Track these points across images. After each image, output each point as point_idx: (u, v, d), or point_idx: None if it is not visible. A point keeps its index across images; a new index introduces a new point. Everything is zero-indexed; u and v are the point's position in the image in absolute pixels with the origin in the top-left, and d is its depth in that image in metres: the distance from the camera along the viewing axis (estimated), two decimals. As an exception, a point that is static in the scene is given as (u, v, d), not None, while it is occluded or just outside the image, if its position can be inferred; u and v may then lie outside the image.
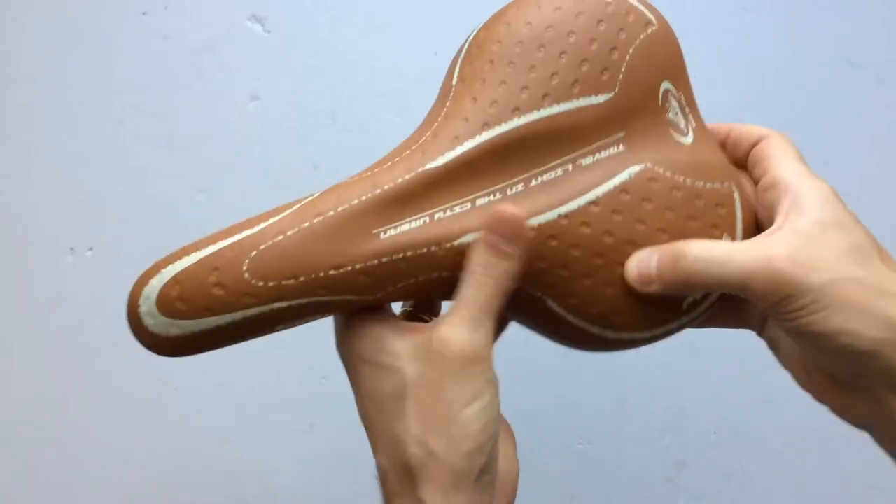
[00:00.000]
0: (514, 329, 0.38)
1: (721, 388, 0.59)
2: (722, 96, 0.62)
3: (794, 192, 0.29)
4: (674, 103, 0.33)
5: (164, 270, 0.28)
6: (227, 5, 0.62)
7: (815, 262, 0.27)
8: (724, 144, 0.35)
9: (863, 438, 0.61)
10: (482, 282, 0.27)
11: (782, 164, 0.31)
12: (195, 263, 0.28)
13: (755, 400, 0.59)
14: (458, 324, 0.26)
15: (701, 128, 0.34)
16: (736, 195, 0.32)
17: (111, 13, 0.62)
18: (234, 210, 0.62)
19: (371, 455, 0.28)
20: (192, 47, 0.62)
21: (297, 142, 0.61)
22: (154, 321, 0.28)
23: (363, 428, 0.30)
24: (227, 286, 0.27)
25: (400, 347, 0.27)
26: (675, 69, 0.33)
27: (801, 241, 0.27)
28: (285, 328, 0.29)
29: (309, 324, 0.64)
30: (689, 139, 0.33)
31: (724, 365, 0.59)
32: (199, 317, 0.28)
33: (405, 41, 0.62)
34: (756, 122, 0.62)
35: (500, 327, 0.33)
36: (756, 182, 0.32)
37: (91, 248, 0.61)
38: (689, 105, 0.34)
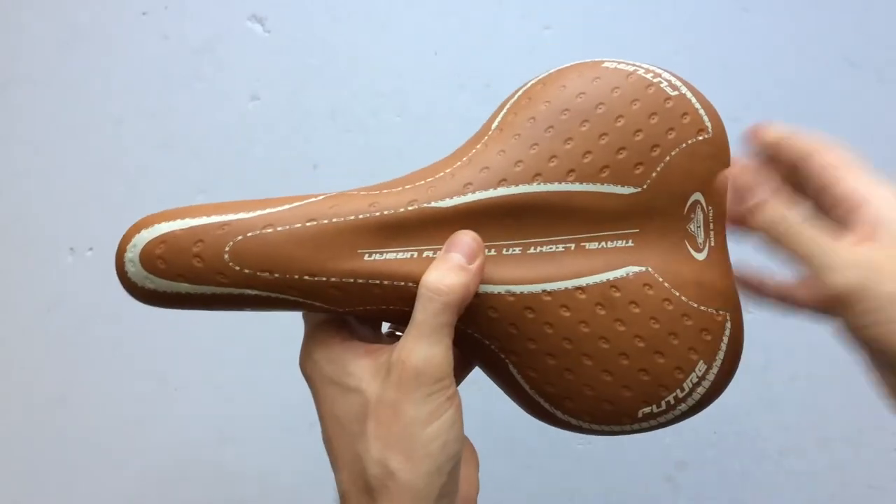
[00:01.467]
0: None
1: (721, 388, 0.59)
2: (722, 96, 0.62)
3: (872, 209, 0.28)
4: (699, 216, 0.32)
5: (156, 226, 0.29)
6: (227, 5, 0.62)
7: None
8: (772, 159, 0.32)
9: (863, 438, 0.61)
10: (432, 301, 0.27)
11: (850, 177, 0.30)
12: (184, 230, 0.29)
13: (755, 400, 0.59)
14: (413, 342, 0.26)
15: (720, 248, 0.32)
16: (728, 326, 0.31)
17: (111, 13, 0.62)
18: (234, 210, 0.63)
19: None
20: (191, 47, 0.62)
21: (296, 142, 0.61)
22: (134, 270, 0.30)
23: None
24: (206, 261, 0.28)
25: (362, 368, 0.28)
26: (714, 183, 0.32)
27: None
28: (253, 311, 0.31)
29: (309, 324, 0.63)
30: (702, 256, 0.31)
31: (724, 365, 0.59)
32: (173, 280, 0.29)
33: (405, 41, 0.62)
34: (757, 122, 0.62)
35: (465, 370, 0.33)
36: (815, 196, 0.31)
37: (91, 248, 0.61)
38: (716, 222, 0.32)
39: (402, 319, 0.29)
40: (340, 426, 0.28)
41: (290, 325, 0.61)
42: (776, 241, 0.28)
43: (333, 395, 0.28)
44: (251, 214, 0.29)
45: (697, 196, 0.31)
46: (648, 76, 0.32)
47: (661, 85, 0.32)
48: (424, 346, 0.26)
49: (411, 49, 0.62)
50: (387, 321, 0.32)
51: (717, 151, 0.32)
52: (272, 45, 0.62)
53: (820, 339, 0.60)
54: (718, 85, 0.62)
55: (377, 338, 0.32)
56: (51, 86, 0.62)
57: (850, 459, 0.59)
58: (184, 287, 0.29)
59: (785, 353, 0.59)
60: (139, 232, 0.29)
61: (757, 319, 0.60)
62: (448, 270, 0.27)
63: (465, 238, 0.28)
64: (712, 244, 0.32)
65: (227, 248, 0.28)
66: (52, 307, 0.60)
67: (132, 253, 0.30)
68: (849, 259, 0.26)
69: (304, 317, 0.32)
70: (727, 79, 0.62)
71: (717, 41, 0.62)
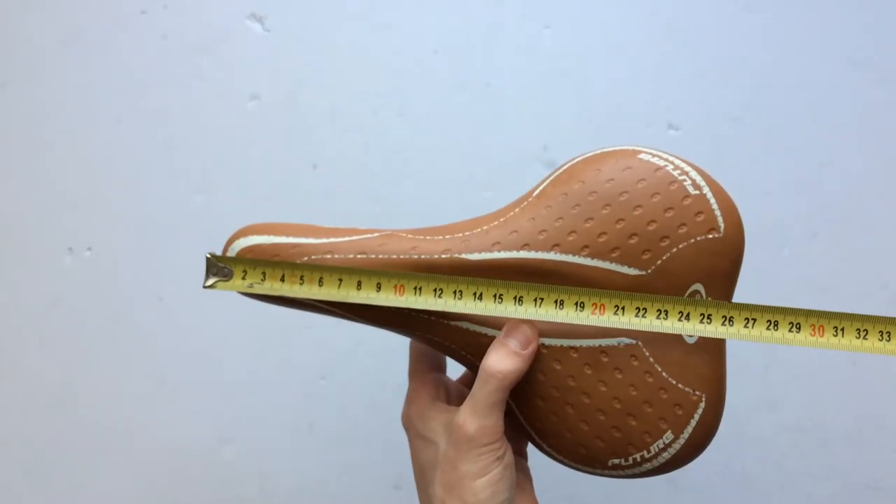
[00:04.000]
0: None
1: (721, 389, 0.59)
2: (723, 96, 0.62)
3: None
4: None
5: (251, 236, 0.36)
6: (227, 4, 0.62)
7: None
8: None
9: (863, 438, 0.62)
10: (488, 382, 0.32)
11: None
12: (268, 244, 0.35)
13: (755, 400, 0.59)
14: (469, 413, 0.32)
15: (714, 339, 0.35)
16: (701, 406, 0.34)
17: (110, 12, 0.62)
18: (233, 210, 0.63)
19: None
20: (191, 46, 0.62)
21: (296, 141, 0.61)
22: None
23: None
24: (287, 258, 0.35)
25: (437, 425, 0.35)
26: (716, 277, 0.34)
27: None
28: (311, 312, 0.36)
29: (307, 325, 0.64)
30: (691, 341, 0.34)
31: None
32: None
33: (405, 41, 0.62)
34: (756, 122, 0.63)
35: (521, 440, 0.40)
36: None
37: (90, 248, 0.61)
38: (722, 300, 0.35)
39: (429, 343, 0.35)
40: (422, 472, 0.35)
41: (290, 325, 0.62)
42: None
43: (419, 446, 0.35)
44: (318, 241, 0.35)
45: (698, 286, 0.34)
46: (675, 173, 0.35)
47: (685, 183, 0.35)
48: (478, 417, 0.32)
49: (411, 49, 0.62)
50: (426, 342, 0.37)
51: (725, 250, 0.35)
52: (272, 44, 0.62)
53: (820, 339, 0.60)
54: (719, 85, 0.62)
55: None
56: (49, 85, 0.61)
57: (850, 459, 0.59)
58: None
59: (785, 353, 0.59)
60: (238, 239, 0.36)
61: (757, 319, 0.60)
62: (505, 356, 0.33)
63: (523, 326, 0.33)
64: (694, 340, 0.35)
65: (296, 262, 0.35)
66: (51, 307, 0.60)
67: (231, 254, 0.36)
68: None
69: (410, 378, 0.39)
70: (728, 79, 0.62)
71: (717, 41, 0.62)
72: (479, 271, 0.34)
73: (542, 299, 0.33)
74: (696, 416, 0.33)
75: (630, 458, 0.34)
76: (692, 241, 0.34)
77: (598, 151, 0.37)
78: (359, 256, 0.34)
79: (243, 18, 0.62)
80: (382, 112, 0.61)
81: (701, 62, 0.62)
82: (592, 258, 0.34)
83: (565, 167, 0.37)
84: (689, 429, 0.33)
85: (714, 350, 0.35)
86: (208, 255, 0.35)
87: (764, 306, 0.32)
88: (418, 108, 0.61)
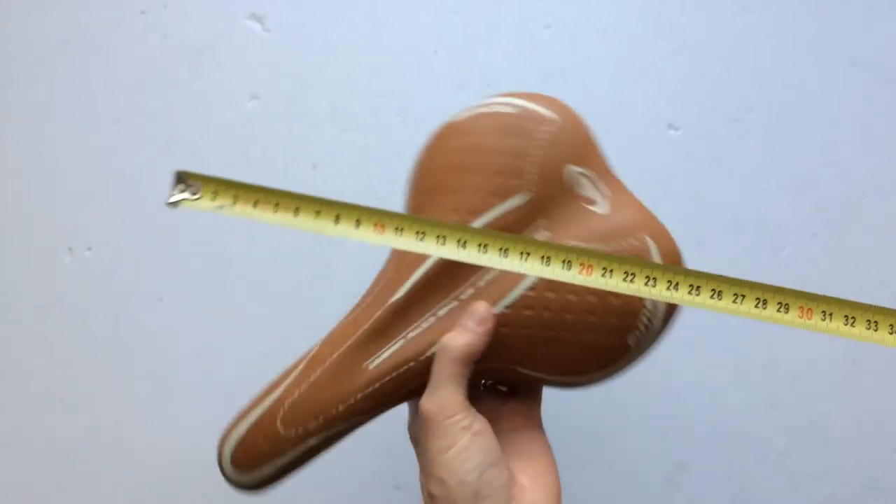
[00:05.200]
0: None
1: (721, 388, 0.59)
2: (723, 96, 0.62)
3: None
4: (582, 181, 0.37)
5: (232, 435, 0.37)
6: (227, 4, 0.62)
7: None
8: None
9: (863, 438, 0.61)
10: (440, 357, 0.34)
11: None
12: (247, 430, 0.37)
13: (755, 400, 0.59)
14: (428, 393, 0.34)
15: (616, 191, 0.37)
16: (650, 243, 0.35)
17: (110, 12, 0.62)
18: (234, 210, 0.62)
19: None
20: (191, 46, 0.62)
21: (296, 141, 0.61)
22: (234, 474, 0.37)
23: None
24: (270, 442, 0.36)
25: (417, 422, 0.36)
26: (581, 152, 0.37)
27: None
28: (326, 450, 0.37)
29: (308, 325, 0.64)
30: (603, 208, 0.36)
31: (724, 365, 0.59)
32: (258, 468, 0.36)
33: (405, 41, 0.62)
34: (757, 121, 0.63)
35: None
36: None
37: (90, 248, 0.61)
38: (602, 176, 0.37)
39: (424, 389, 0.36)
40: (420, 469, 0.36)
41: (290, 326, 0.62)
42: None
43: (416, 449, 0.37)
44: (278, 392, 0.37)
45: (572, 167, 0.36)
46: (487, 110, 0.37)
47: (501, 109, 0.37)
48: (435, 394, 0.33)
49: (411, 49, 0.62)
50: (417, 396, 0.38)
51: (570, 127, 0.37)
52: (272, 44, 0.62)
53: (820, 339, 0.60)
54: (719, 85, 0.62)
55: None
56: (50, 85, 0.61)
57: (850, 459, 0.59)
58: (267, 469, 0.36)
59: (785, 353, 0.59)
60: (224, 447, 0.37)
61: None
62: (457, 333, 0.34)
63: (476, 307, 0.35)
64: (608, 193, 0.37)
65: (278, 424, 0.36)
66: (51, 307, 0.60)
67: (226, 464, 0.37)
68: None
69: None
70: (728, 79, 0.62)
71: (717, 41, 0.62)
72: (417, 298, 0.36)
73: (528, 253, 0.33)
74: (653, 253, 0.35)
75: (641, 326, 0.35)
76: (541, 141, 0.36)
77: (421, 153, 0.39)
78: (319, 372, 0.36)
79: (243, 18, 0.62)
80: (382, 112, 0.61)
81: (701, 62, 0.62)
82: (481, 215, 0.35)
83: (411, 178, 0.39)
84: (659, 259, 0.35)
85: (625, 201, 0.37)
86: (178, 171, 0.33)
87: (759, 284, 0.33)
88: (418, 108, 0.61)
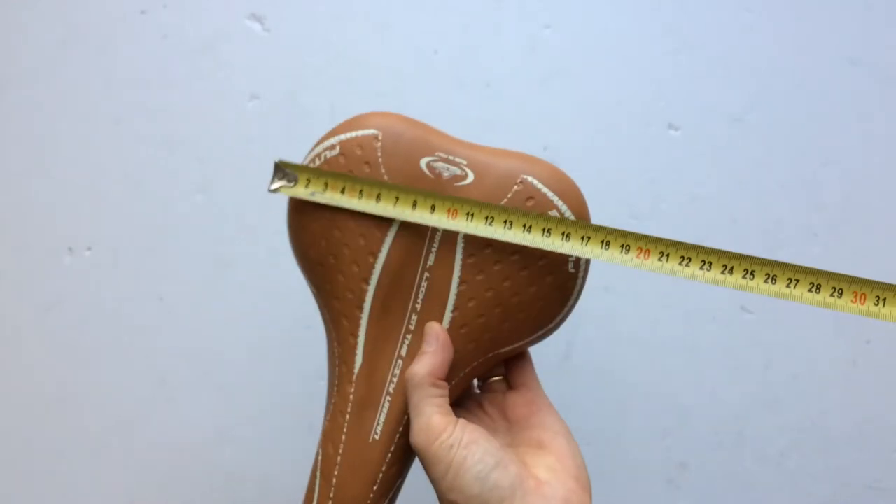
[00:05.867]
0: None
1: (721, 388, 0.59)
2: (724, 96, 0.62)
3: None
4: (440, 165, 0.37)
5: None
6: (227, 4, 0.62)
7: None
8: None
9: (863, 438, 0.61)
10: (407, 387, 0.34)
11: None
12: None
13: (755, 400, 0.59)
14: (411, 426, 0.34)
15: (473, 153, 0.37)
16: (529, 179, 0.36)
17: (110, 12, 0.62)
18: (233, 210, 0.63)
19: None
20: (191, 46, 0.62)
21: (296, 141, 0.61)
22: None
23: None
24: None
25: None
26: (420, 145, 0.37)
27: None
28: None
29: (307, 325, 0.64)
30: (470, 178, 0.37)
31: (724, 365, 0.59)
32: None
33: (405, 41, 0.62)
34: (757, 121, 0.63)
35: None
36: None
37: (90, 248, 0.61)
38: (451, 151, 0.37)
39: None
40: None
41: (290, 325, 0.62)
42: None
43: None
44: (318, 492, 0.36)
45: (425, 160, 0.37)
46: (318, 162, 0.38)
47: (329, 156, 0.38)
48: (414, 426, 0.34)
49: (411, 49, 0.62)
50: None
51: (395, 132, 0.37)
52: (272, 44, 0.62)
53: (820, 339, 0.60)
54: (720, 85, 0.62)
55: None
56: (49, 85, 0.61)
57: (850, 459, 0.59)
58: None
59: (785, 353, 0.59)
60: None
61: (757, 320, 0.60)
62: (414, 361, 0.35)
63: (427, 328, 0.36)
64: (465, 162, 0.37)
65: None
66: (51, 307, 0.60)
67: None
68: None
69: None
70: (728, 79, 0.62)
71: (717, 41, 0.62)
72: (373, 361, 0.37)
73: (608, 241, 0.34)
74: (539, 185, 0.36)
75: (570, 261, 0.36)
76: (379, 155, 0.37)
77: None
78: (336, 474, 0.36)
79: (243, 18, 0.62)
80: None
81: (701, 62, 0.62)
82: (382, 250, 0.37)
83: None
84: (549, 193, 0.36)
85: (482, 154, 0.37)
86: (277, 161, 0.37)
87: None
88: (418, 108, 0.61)
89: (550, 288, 0.36)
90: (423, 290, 0.36)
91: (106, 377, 0.60)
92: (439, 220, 0.35)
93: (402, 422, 0.36)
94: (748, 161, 0.61)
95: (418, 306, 0.37)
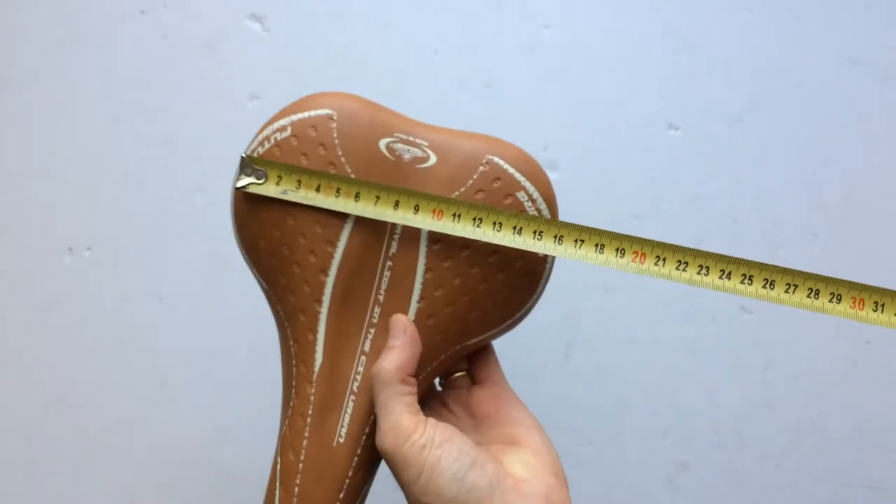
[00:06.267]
0: (515, 332, 0.38)
1: (721, 388, 0.59)
2: (723, 96, 0.62)
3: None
4: (400, 146, 0.35)
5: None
6: (227, 4, 0.62)
7: None
8: None
9: (863, 438, 0.61)
10: (374, 385, 0.32)
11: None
12: None
13: (755, 400, 0.59)
14: (377, 433, 0.32)
15: (434, 134, 0.36)
16: (496, 160, 0.35)
17: (110, 12, 0.62)
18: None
19: None
20: (191, 46, 0.62)
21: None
22: None
23: None
24: None
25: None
26: (378, 126, 0.35)
27: None
28: None
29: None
30: (432, 160, 0.35)
31: (724, 365, 0.59)
32: None
33: (405, 41, 0.62)
34: (757, 121, 0.63)
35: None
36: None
37: (90, 248, 0.61)
38: (411, 133, 0.36)
39: None
40: None
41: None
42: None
43: None
44: (279, 496, 0.34)
45: (383, 141, 0.35)
46: (268, 146, 0.37)
47: (279, 137, 0.36)
48: (382, 427, 0.32)
49: (411, 49, 0.62)
50: None
51: (352, 114, 0.35)
52: (272, 44, 0.62)
53: (820, 338, 0.60)
54: (720, 85, 0.62)
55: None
56: (50, 85, 0.61)
57: (850, 459, 0.59)
58: None
59: (785, 353, 0.59)
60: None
61: (757, 320, 0.60)
62: (381, 357, 0.33)
63: (392, 320, 0.34)
64: (426, 143, 0.36)
65: None
66: (51, 307, 0.60)
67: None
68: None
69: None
70: (728, 79, 0.62)
71: (717, 41, 0.62)
72: (334, 357, 0.35)
73: (602, 245, 0.33)
74: (507, 166, 0.34)
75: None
76: (335, 137, 0.35)
77: None
78: (299, 482, 0.34)
79: (243, 18, 0.62)
80: (382, 112, 0.61)
81: (701, 62, 0.62)
82: (340, 238, 0.35)
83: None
84: (520, 176, 0.34)
85: (443, 136, 0.36)
86: (243, 155, 0.35)
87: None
88: (418, 108, 0.61)
89: (519, 273, 0.35)
90: (385, 279, 0.34)
91: (106, 377, 0.60)
92: (432, 223, 0.33)
93: (369, 423, 0.34)
94: (748, 161, 0.61)
95: (381, 297, 0.35)
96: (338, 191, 0.33)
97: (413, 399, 0.33)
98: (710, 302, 0.59)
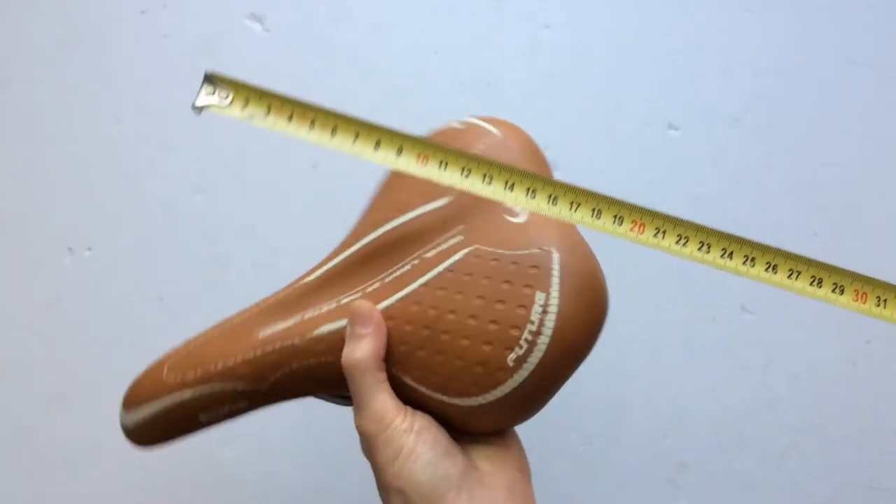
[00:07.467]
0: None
1: (721, 388, 0.59)
2: (723, 96, 0.62)
3: None
4: None
5: (136, 377, 0.39)
6: (227, 4, 0.62)
7: None
8: None
9: (863, 438, 0.61)
10: (347, 374, 0.33)
11: None
12: (143, 372, 0.38)
13: (755, 400, 0.59)
14: (356, 413, 0.33)
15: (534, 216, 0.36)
16: (555, 256, 0.32)
17: (110, 12, 0.62)
18: (233, 210, 0.63)
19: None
20: (191, 46, 0.62)
21: (296, 141, 0.61)
22: (121, 412, 0.39)
23: None
24: (153, 383, 0.37)
25: None
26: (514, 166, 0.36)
27: None
28: (211, 421, 0.38)
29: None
30: (521, 219, 0.34)
31: (724, 365, 0.59)
32: (135, 407, 0.37)
33: (405, 41, 0.62)
34: (757, 121, 0.63)
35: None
36: None
37: (89, 248, 0.61)
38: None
39: (313, 376, 0.35)
40: None
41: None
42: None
43: None
44: (185, 342, 0.38)
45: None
46: (444, 126, 0.39)
47: (453, 125, 0.38)
48: (364, 411, 0.32)
49: (411, 49, 0.62)
50: (307, 388, 0.37)
51: (508, 143, 0.37)
52: (272, 44, 0.62)
53: (820, 338, 0.60)
54: (720, 85, 0.62)
55: None
56: (50, 85, 0.61)
57: (850, 459, 0.59)
58: (144, 410, 0.37)
59: (785, 353, 0.59)
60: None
61: (757, 320, 0.60)
62: (352, 345, 0.33)
63: (356, 307, 0.34)
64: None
65: (165, 369, 0.37)
66: (51, 307, 0.60)
67: (121, 404, 0.39)
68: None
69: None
70: (728, 79, 0.62)
71: (717, 41, 0.62)
72: (326, 284, 0.37)
73: (599, 210, 0.32)
74: (554, 266, 0.32)
75: (522, 342, 0.31)
76: (473, 151, 0.36)
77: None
78: (218, 328, 0.38)
79: (243, 18, 0.62)
80: (382, 112, 0.61)
81: (701, 62, 0.62)
82: (405, 213, 0.36)
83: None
84: (555, 279, 0.32)
85: (550, 220, 0.34)
86: (208, 72, 0.31)
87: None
88: (418, 108, 0.61)
89: (480, 359, 0.32)
90: (401, 271, 0.35)
91: (105, 377, 0.60)
92: (416, 168, 0.30)
93: (284, 342, 0.35)
94: (748, 161, 0.61)
95: (387, 280, 0.35)
96: (312, 122, 0.31)
97: (389, 385, 0.33)
98: (711, 302, 0.59)
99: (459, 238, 0.34)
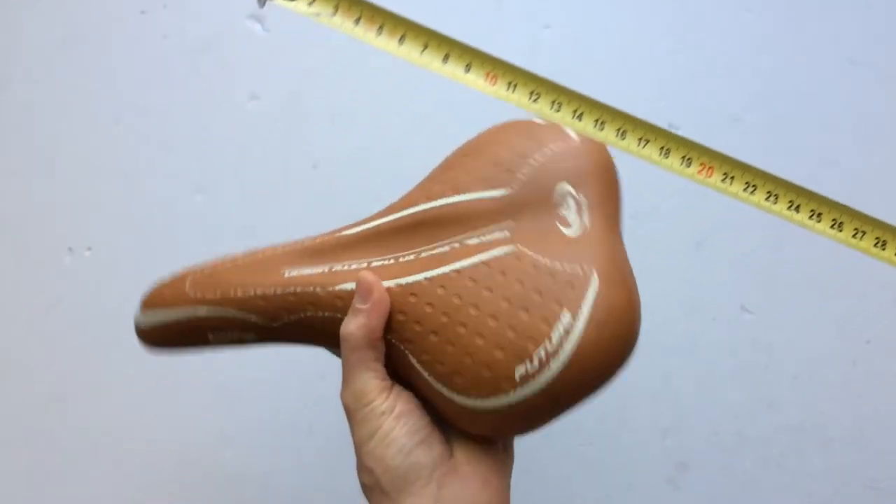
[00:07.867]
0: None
1: (721, 388, 0.59)
2: (724, 96, 0.62)
3: None
4: (570, 202, 0.35)
5: (160, 280, 0.39)
6: (227, 4, 0.62)
7: None
8: None
9: (863, 438, 0.61)
10: (343, 347, 0.33)
11: None
12: (168, 279, 0.39)
13: (755, 400, 0.59)
14: (343, 384, 0.33)
15: (599, 230, 0.34)
16: (594, 280, 0.31)
17: (110, 12, 0.62)
18: (233, 210, 0.63)
19: None
20: (191, 46, 0.62)
21: (296, 141, 0.61)
22: (137, 311, 0.39)
23: None
24: (173, 292, 0.38)
25: None
26: (581, 176, 0.35)
27: None
28: (218, 342, 0.38)
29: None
30: (572, 231, 0.34)
31: (724, 365, 0.59)
32: (151, 309, 0.38)
33: (405, 40, 0.62)
34: (757, 121, 0.63)
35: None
36: None
37: (89, 248, 0.61)
38: (595, 207, 0.35)
39: (326, 327, 0.35)
40: None
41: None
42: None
43: None
44: (215, 261, 0.38)
45: (565, 186, 0.35)
46: (527, 119, 0.38)
47: (535, 119, 0.38)
48: (349, 385, 0.33)
49: (411, 49, 0.62)
50: (317, 337, 0.37)
51: (583, 152, 0.36)
52: (272, 44, 0.62)
53: (820, 338, 0.60)
54: (719, 85, 0.62)
55: None
56: (50, 85, 0.61)
57: (850, 459, 0.59)
58: (159, 315, 0.38)
59: (785, 353, 0.59)
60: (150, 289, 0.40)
61: (757, 320, 0.60)
62: (349, 318, 0.33)
63: (360, 278, 0.33)
64: (587, 224, 0.34)
65: (188, 281, 0.37)
66: (51, 307, 0.60)
67: (140, 301, 0.39)
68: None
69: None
70: (728, 79, 0.62)
71: (717, 41, 0.62)
72: (363, 242, 0.36)
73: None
74: (590, 290, 0.31)
75: (535, 359, 0.30)
76: (546, 149, 0.35)
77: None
78: (247, 257, 0.37)
79: (243, 18, 0.62)
80: (382, 112, 0.61)
81: (701, 62, 0.62)
82: (460, 194, 0.35)
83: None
84: (586, 305, 0.31)
85: (602, 241, 0.34)
86: None
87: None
88: (418, 108, 0.61)
89: (487, 362, 0.31)
90: (439, 250, 0.34)
91: (105, 377, 0.60)
92: (483, 86, 0.29)
93: (306, 288, 0.35)
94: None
95: (423, 255, 0.35)
96: (380, 27, 0.30)
97: (380, 364, 0.33)
98: (711, 302, 0.59)
99: (505, 234, 0.34)
